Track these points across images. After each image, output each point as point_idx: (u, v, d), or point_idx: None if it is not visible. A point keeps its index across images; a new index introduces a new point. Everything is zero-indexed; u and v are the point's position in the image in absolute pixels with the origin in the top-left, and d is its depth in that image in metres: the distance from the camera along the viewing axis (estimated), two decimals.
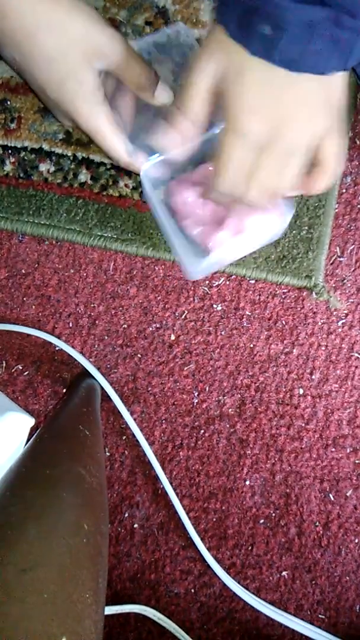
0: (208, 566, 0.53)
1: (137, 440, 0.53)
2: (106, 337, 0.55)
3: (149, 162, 0.46)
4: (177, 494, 0.53)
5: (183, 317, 0.55)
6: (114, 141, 0.43)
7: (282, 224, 0.48)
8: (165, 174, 0.49)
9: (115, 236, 0.54)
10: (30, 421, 0.43)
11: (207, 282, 0.55)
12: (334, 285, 0.55)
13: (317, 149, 0.38)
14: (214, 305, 0.55)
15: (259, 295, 0.54)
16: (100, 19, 0.40)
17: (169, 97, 0.43)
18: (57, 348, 0.55)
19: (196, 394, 0.55)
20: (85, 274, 0.55)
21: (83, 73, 0.40)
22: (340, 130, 0.38)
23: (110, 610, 0.52)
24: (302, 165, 0.38)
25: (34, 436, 0.44)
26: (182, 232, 0.48)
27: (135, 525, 0.55)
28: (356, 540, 0.54)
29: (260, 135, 0.36)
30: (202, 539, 0.54)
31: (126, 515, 0.55)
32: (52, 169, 0.54)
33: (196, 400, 0.55)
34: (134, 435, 0.53)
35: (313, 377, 0.55)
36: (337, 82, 0.35)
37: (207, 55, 0.37)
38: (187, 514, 0.53)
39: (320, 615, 0.54)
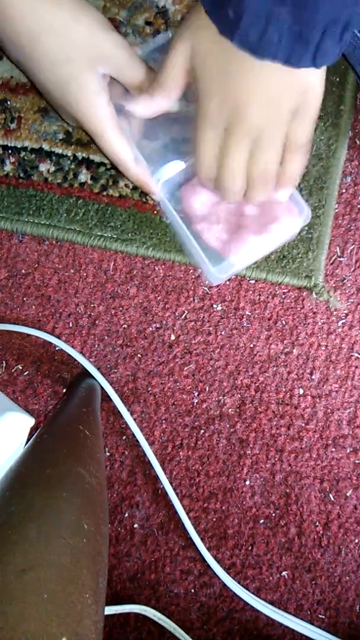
0: (208, 566, 0.53)
1: (137, 440, 0.53)
2: (106, 337, 0.55)
3: (165, 176, 0.45)
4: (177, 494, 0.53)
5: (183, 317, 0.55)
6: (119, 147, 0.43)
7: (300, 223, 0.47)
8: (178, 181, 0.48)
9: (115, 236, 0.54)
10: (30, 421, 0.43)
11: (207, 282, 0.55)
12: (334, 285, 0.55)
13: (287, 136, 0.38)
14: (214, 305, 0.55)
15: (259, 295, 0.54)
16: (105, 22, 0.40)
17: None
18: (57, 348, 0.55)
19: (196, 394, 0.55)
20: (85, 274, 0.55)
21: (86, 77, 0.40)
22: (312, 122, 0.38)
23: (110, 610, 0.52)
24: (275, 151, 0.38)
25: (34, 436, 0.44)
26: (198, 237, 0.48)
27: (135, 525, 0.55)
28: (356, 540, 0.54)
29: (220, 117, 0.36)
30: (202, 539, 0.54)
31: (126, 515, 0.55)
32: (52, 169, 0.54)
33: (196, 400, 0.55)
34: (134, 435, 0.53)
35: (313, 377, 0.55)
36: (308, 78, 0.35)
37: (183, 35, 0.37)
38: (187, 514, 0.53)
39: (320, 615, 0.54)
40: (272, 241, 0.47)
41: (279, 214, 0.46)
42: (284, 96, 0.35)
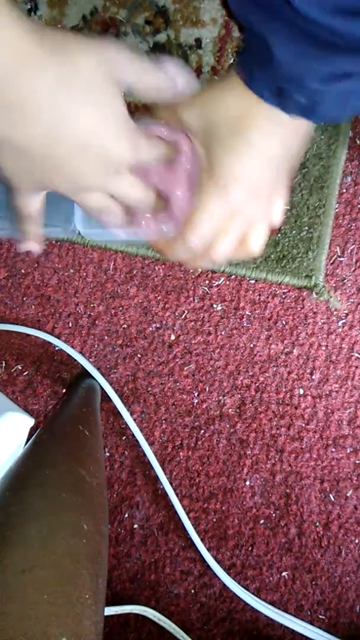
0: (208, 567, 0.53)
1: (137, 441, 0.53)
2: (106, 337, 0.55)
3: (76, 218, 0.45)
4: (177, 494, 0.53)
5: (183, 317, 0.55)
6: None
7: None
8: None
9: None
10: (30, 421, 0.43)
11: (207, 282, 0.55)
12: (334, 285, 0.54)
13: None
14: (214, 305, 0.55)
15: (259, 295, 0.54)
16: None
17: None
18: (57, 348, 0.55)
19: (196, 394, 0.55)
20: (85, 274, 0.55)
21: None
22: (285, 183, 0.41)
23: (110, 610, 0.52)
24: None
25: (34, 436, 0.44)
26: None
27: (135, 526, 0.55)
28: (356, 541, 0.54)
29: (239, 201, 0.38)
30: (202, 540, 0.53)
31: (126, 515, 0.55)
32: None
33: (196, 400, 0.55)
34: (134, 435, 0.53)
35: (313, 377, 0.55)
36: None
37: (223, 99, 0.37)
38: (187, 514, 0.53)
39: (320, 616, 0.54)
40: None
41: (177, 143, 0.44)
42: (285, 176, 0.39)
